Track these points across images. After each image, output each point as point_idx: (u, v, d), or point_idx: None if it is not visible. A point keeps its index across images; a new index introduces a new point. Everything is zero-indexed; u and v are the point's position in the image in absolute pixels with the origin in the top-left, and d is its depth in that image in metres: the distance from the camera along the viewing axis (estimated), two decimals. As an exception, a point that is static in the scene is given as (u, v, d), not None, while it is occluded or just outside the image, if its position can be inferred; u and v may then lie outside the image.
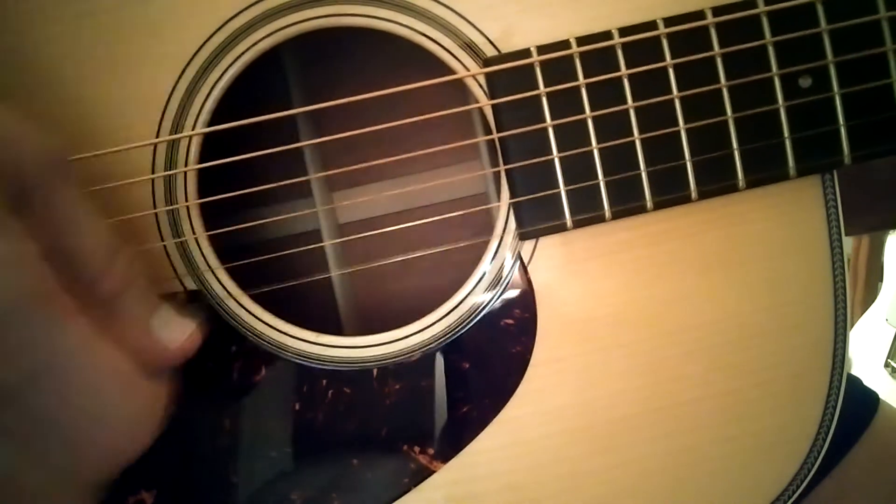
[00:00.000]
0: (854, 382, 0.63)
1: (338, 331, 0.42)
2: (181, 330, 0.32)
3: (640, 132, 0.38)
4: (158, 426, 0.30)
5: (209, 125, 0.39)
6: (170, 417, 0.32)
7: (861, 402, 0.61)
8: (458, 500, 0.41)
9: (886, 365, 1.41)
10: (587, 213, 0.39)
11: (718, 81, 0.38)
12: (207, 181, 0.40)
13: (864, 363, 1.44)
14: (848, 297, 0.41)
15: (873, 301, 1.51)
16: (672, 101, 0.38)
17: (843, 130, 0.38)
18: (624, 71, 0.37)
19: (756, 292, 0.41)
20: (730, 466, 0.42)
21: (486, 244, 0.41)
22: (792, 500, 0.42)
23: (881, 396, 0.62)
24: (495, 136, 0.39)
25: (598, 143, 0.38)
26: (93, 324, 0.27)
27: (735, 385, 0.41)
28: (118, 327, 0.29)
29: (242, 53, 0.39)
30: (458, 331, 0.41)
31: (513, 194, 0.39)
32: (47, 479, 0.26)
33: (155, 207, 0.39)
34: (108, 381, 0.27)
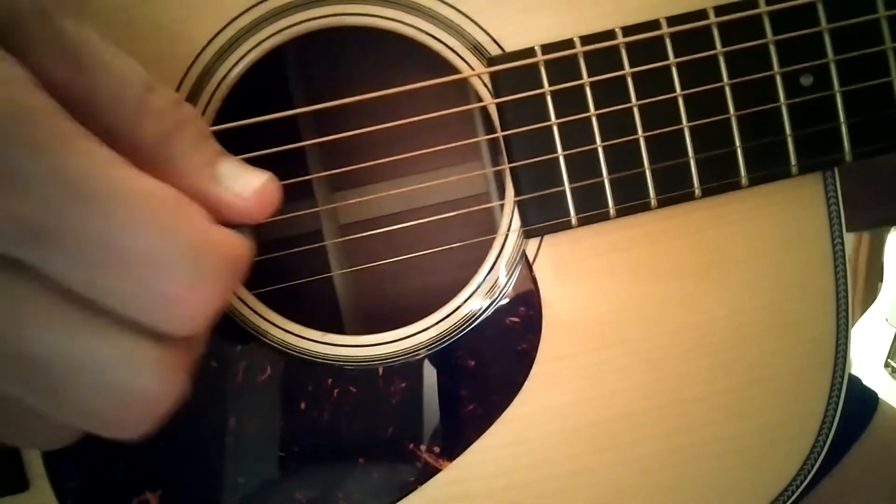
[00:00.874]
0: (854, 382, 0.63)
1: (339, 331, 0.42)
2: (257, 177, 0.25)
3: (644, 130, 0.38)
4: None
5: (213, 125, 0.39)
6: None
7: (860, 401, 0.61)
8: (463, 498, 0.41)
9: (886, 365, 1.41)
10: (591, 211, 0.39)
11: (721, 80, 0.38)
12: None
13: (864, 363, 1.44)
14: (848, 296, 0.42)
15: (873, 301, 1.51)
16: (675, 99, 0.38)
17: (843, 128, 0.38)
18: (627, 69, 0.38)
19: (758, 289, 0.41)
20: (732, 463, 0.42)
21: (490, 243, 0.41)
22: (793, 498, 0.42)
23: (881, 396, 0.63)
24: (499, 134, 0.39)
25: (602, 141, 0.38)
26: (141, 158, 0.22)
27: (737, 382, 0.41)
28: (179, 170, 0.23)
29: (247, 53, 0.39)
30: (463, 329, 0.41)
31: (517, 192, 0.39)
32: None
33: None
34: (168, 210, 0.21)
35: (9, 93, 0.19)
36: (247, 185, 0.25)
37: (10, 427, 0.23)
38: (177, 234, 0.21)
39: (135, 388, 0.21)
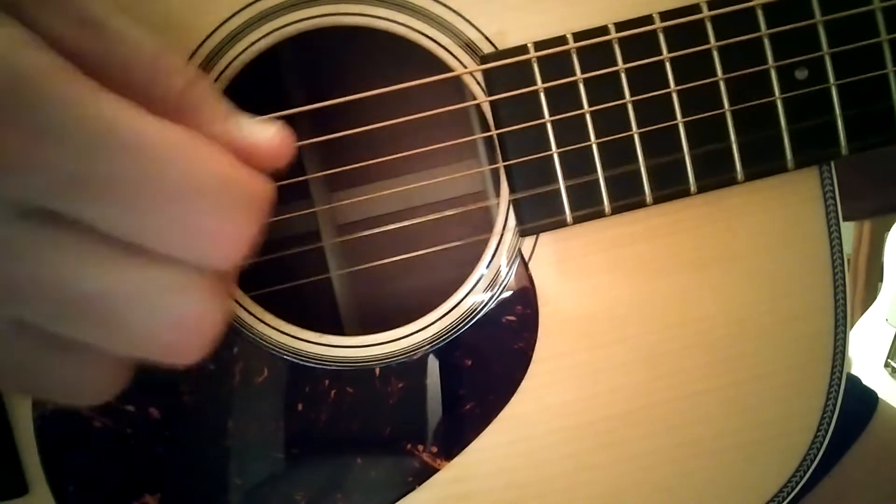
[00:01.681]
0: (853, 382, 0.63)
1: (338, 331, 0.42)
2: (272, 125, 0.26)
3: (639, 126, 0.38)
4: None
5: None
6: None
7: (860, 401, 0.61)
8: (462, 497, 0.41)
9: (886, 365, 1.41)
10: (587, 209, 0.39)
11: (715, 74, 0.38)
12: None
13: (864, 363, 1.44)
14: (848, 296, 0.41)
15: (873, 301, 1.51)
16: (669, 94, 0.38)
17: (839, 121, 0.38)
18: (621, 65, 0.38)
19: (755, 284, 0.41)
20: (733, 459, 0.42)
21: (486, 242, 0.41)
22: (793, 495, 0.42)
23: (881, 396, 0.63)
24: (493, 132, 0.39)
25: (597, 137, 0.38)
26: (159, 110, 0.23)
27: (736, 378, 0.41)
28: (202, 122, 0.25)
29: (240, 53, 0.39)
30: (460, 328, 0.41)
31: (512, 191, 0.39)
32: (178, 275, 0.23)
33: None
34: (195, 149, 0.22)
35: (16, 53, 0.20)
36: (268, 129, 0.26)
37: (60, 382, 0.25)
38: (206, 169, 0.23)
39: (186, 311, 0.23)
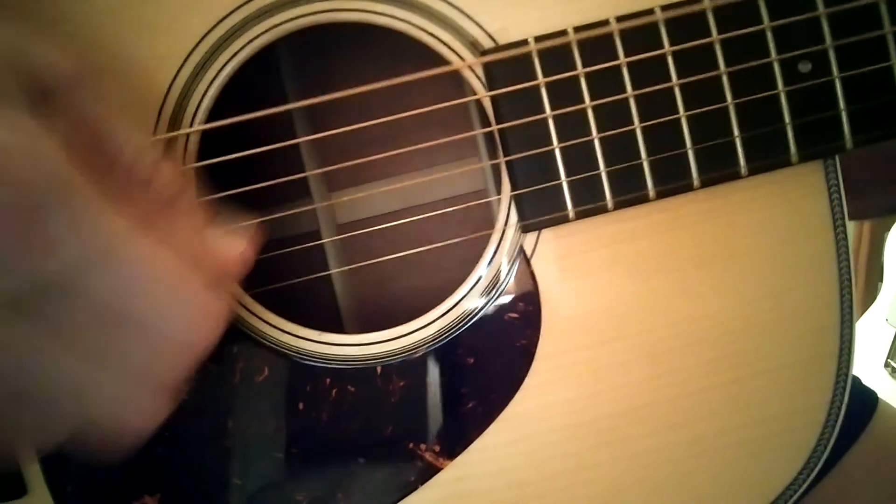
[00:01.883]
0: (854, 382, 0.63)
1: (338, 330, 0.42)
2: (236, 243, 0.30)
3: (641, 121, 0.38)
4: (219, 332, 0.28)
5: (205, 124, 0.39)
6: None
7: (860, 401, 0.61)
8: (465, 497, 0.41)
9: (886, 365, 1.40)
10: (589, 204, 0.38)
11: (718, 68, 0.37)
12: (204, 181, 0.40)
13: (864, 363, 1.43)
14: (852, 285, 0.41)
15: (873, 301, 1.50)
16: (672, 88, 0.38)
17: (843, 115, 0.38)
18: (622, 59, 0.37)
19: (760, 281, 0.40)
20: (737, 457, 0.41)
21: (487, 238, 0.41)
22: (799, 493, 0.42)
23: (881, 396, 0.62)
24: (494, 127, 0.39)
25: (599, 132, 0.38)
26: (144, 221, 0.26)
27: (740, 374, 0.41)
28: (174, 231, 0.28)
29: (238, 51, 0.39)
30: (462, 326, 0.40)
31: (514, 186, 0.39)
32: (120, 381, 0.26)
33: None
34: (168, 273, 0.26)
35: (47, 162, 0.23)
36: (233, 247, 0.30)
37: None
38: (181, 294, 0.26)
39: (115, 421, 0.26)
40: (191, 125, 0.39)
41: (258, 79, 0.47)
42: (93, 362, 0.25)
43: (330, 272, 0.51)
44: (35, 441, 0.28)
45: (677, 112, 0.38)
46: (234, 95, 0.40)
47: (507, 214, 0.40)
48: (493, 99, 0.38)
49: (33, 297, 0.23)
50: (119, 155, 0.27)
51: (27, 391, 0.24)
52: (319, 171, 0.49)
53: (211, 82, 0.39)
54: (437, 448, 0.40)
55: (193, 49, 0.38)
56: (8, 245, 0.22)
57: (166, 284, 0.25)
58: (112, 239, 0.24)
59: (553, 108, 0.38)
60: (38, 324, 0.24)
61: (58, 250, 0.23)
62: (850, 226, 0.40)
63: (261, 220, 0.47)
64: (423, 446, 0.40)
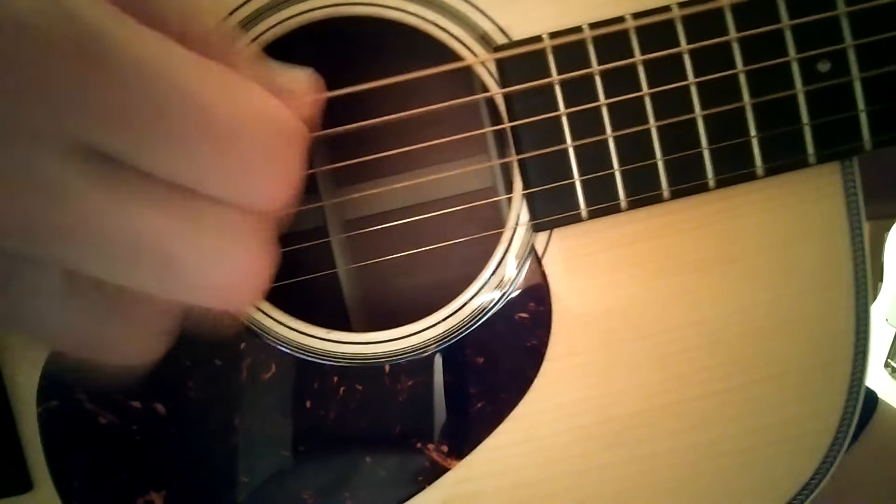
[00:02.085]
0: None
1: (345, 328, 0.41)
2: (305, 74, 0.27)
3: (656, 119, 0.37)
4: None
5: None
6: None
7: None
8: (472, 497, 0.40)
9: (886, 365, 1.40)
10: (602, 203, 0.38)
11: (735, 67, 0.37)
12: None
13: (864, 364, 1.43)
14: (868, 289, 0.41)
15: (873, 301, 1.50)
16: (688, 87, 0.37)
17: (863, 115, 0.37)
18: (638, 57, 0.37)
19: (775, 283, 0.40)
20: (749, 460, 0.41)
21: (496, 237, 0.40)
22: (811, 498, 0.41)
23: (881, 396, 0.62)
24: (507, 125, 0.38)
25: (613, 131, 0.37)
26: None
27: (753, 378, 0.40)
28: (240, 63, 0.25)
29: (249, 44, 0.38)
30: (472, 325, 0.40)
31: (526, 185, 0.38)
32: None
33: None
34: (246, 91, 0.23)
35: (91, 13, 0.20)
36: (297, 76, 0.27)
37: (108, 339, 0.25)
38: (251, 108, 0.23)
39: (238, 253, 0.23)
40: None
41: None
42: (191, 200, 0.22)
43: (337, 270, 0.51)
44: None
45: (693, 111, 0.37)
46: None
47: (518, 213, 0.39)
48: (506, 96, 0.38)
49: (108, 135, 0.21)
50: None
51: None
52: (328, 167, 0.49)
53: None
54: (445, 448, 0.40)
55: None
56: (67, 75, 0.20)
57: (240, 99, 0.23)
58: (173, 60, 0.21)
59: (567, 106, 0.37)
60: (131, 172, 0.22)
61: (117, 76, 0.20)
62: (861, 227, 0.40)
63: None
64: (430, 446, 0.40)
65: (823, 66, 0.37)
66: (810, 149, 0.38)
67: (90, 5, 0.21)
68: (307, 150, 0.25)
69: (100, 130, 0.21)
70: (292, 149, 0.24)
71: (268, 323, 0.40)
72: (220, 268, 0.23)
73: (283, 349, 0.40)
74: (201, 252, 0.23)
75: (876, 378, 1.40)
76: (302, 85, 0.26)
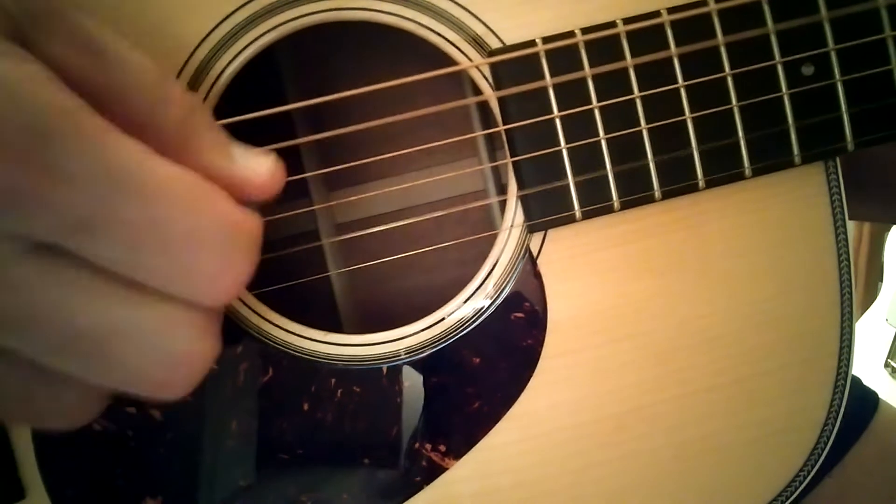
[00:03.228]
0: (854, 382, 0.64)
1: (337, 330, 0.41)
2: (265, 159, 0.27)
3: (647, 122, 0.38)
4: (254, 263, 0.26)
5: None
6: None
7: (860, 401, 0.61)
8: (470, 496, 0.41)
9: (886, 365, 1.42)
10: (596, 204, 0.39)
11: (723, 70, 0.38)
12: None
13: (864, 363, 1.44)
14: (852, 286, 0.42)
15: (873, 301, 1.52)
16: (678, 90, 0.38)
17: (845, 117, 0.38)
18: (629, 61, 0.38)
19: (763, 281, 0.41)
20: (741, 455, 0.42)
21: (492, 239, 0.41)
22: (799, 491, 0.42)
23: (881, 396, 0.63)
24: (502, 128, 0.39)
25: (606, 133, 0.38)
26: (161, 143, 0.24)
27: (744, 374, 0.41)
28: (195, 151, 0.25)
29: (243, 49, 0.39)
30: (468, 326, 0.40)
31: (520, 187, 0.39)
32: (161, 312, 0.24)
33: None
34: (195, 193, 0.23)
35: (41, 93, 0.21)
36: (261, 163, 0.27)
37: (39, 409, 0.25)
38: (209, 214, 0.23)
39: (178, 348, 0.24)
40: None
41: (263, 79, 0.47)
42: (135, 295, 0.23)
43: (329, 274, 0.51)
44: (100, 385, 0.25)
45: (683, 113, 0.38)
46: (237, 95, 0.39)
47: (513, 214, 0.40)
48: (501, 99, 0.38)
49: (65, 237, 0.21)
50: (122, 74, 0.24)
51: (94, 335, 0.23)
52: (320, 172, 0.49)
53: (213, 83, 0.38)
54: (443, 448, 0.40)
55: (196, 48, 0.38)
56: (23, 183, 0.20)
57: (194, 204, 0.23)
58: (129, 162, 0.22)
59: (560, 109, 0.38)
60: (81, 265, 0.22)
61: (73, 180, 0.21)
62: (851, 226, 0.41)
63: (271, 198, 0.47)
64: (428, 446, 0.40)
65: (807, 70, 0.38)
66: (795, 149, 0.39)
67: (55, 95, 0.21)
68: (261, 240, 0.26)
69: (51, 227, 0.21)
70: (244, 253, 0.25)
71: (264, 325, 0.40)
72: (157, 361, 0.24)
73: (281, 352, 0.40)
74: (139, 345, 0.23)
75: (876, 378, 1.42)
76: (263, 171, 0.27)
